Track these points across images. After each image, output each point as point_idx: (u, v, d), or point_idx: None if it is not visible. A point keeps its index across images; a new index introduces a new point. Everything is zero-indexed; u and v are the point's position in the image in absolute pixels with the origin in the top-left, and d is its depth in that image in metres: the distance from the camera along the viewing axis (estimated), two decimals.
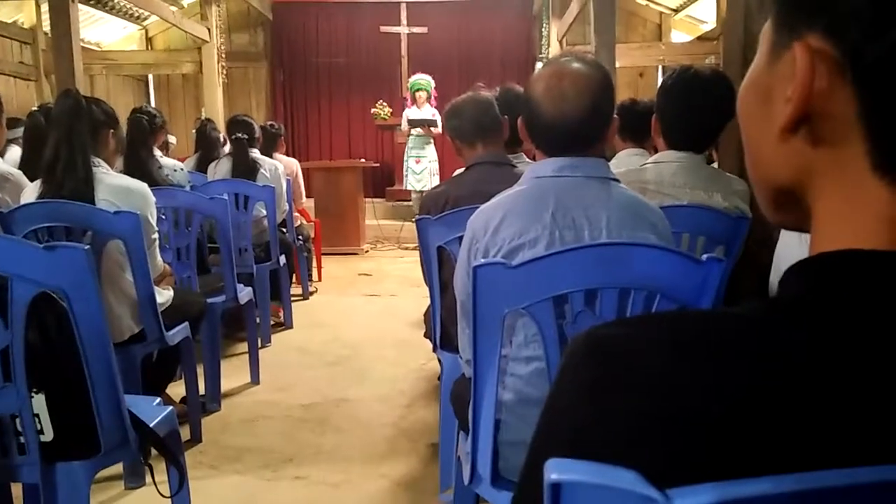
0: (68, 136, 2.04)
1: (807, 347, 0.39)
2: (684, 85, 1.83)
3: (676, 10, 8.85)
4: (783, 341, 0.40)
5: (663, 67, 7.82)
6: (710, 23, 8.14)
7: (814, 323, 0.40)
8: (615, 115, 1.37)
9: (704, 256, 1.20)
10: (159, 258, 2.29)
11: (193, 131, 4.79)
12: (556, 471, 0.38)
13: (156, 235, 2.23)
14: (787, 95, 0.43)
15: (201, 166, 4.21)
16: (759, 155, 0.49)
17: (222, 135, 4.60)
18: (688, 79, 1.84)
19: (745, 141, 0.50)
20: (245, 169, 3.81)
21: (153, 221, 2.19)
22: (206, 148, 4.36)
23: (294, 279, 4.63)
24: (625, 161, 2.67)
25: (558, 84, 1.31)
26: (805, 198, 0.46)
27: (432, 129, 7.52)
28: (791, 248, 1.33)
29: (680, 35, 9.08)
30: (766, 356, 0.39)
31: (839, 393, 0.37)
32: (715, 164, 2.62)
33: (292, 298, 4.34)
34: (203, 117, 5.62)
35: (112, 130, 2.21)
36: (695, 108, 1.80)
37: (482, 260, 1.23)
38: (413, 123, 7.52)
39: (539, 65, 8.15)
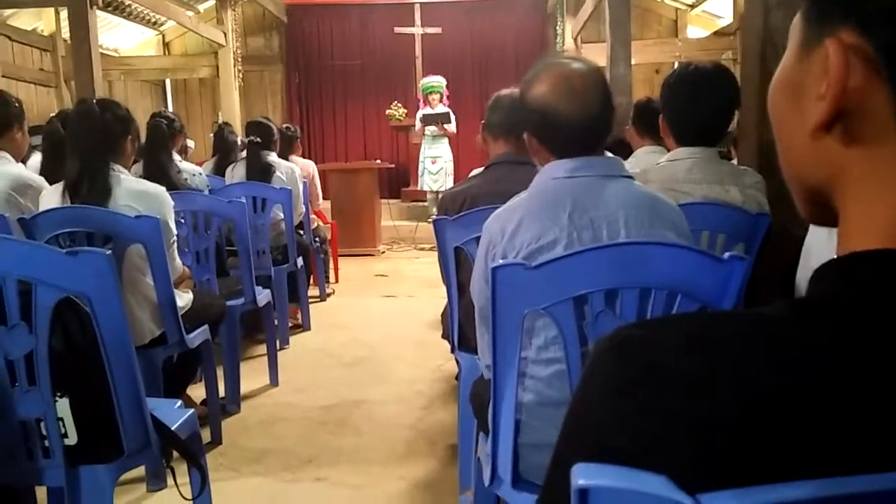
0: (88, 158, 2.07)
1: (839, 349, 0.38)
2: (685, 80, 1.85)
3: (692, 6, 8.78)
4: (814, 342, 0.39)
5: (679, 64, 7.75)
6: (726, 18, 8.06)
7: (846, 323, 0.39)
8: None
9: (726, 255, 1.18)
10: (178, 260, 2.30)
11: (211, 135, 4.82)
12: (583, 476, 0.38)
13: (174, 238, 2.24)
14: (819, 93, 0.42)
15: (219, 170, 4.22)
16: (790, 153, 0.48)
17: (240, 138, 4.62)
18: (688, 74, 1.85)
19: (777, 139, 0.49)
20: (259, 171, 3.82)
21: (171, 224, 2.21)
22: (223, 151, 4.38)
23: (311, 281, 4.65)
24: (643, 158, 2.66)
25: (569, 84, 1.31)
26: (833, 196, 0.45)
27: (446, 126, 7.52)
28: (820, 245, 1.30)
29: (696, 31, 9.00)
30: (797, 357, 0.38)
31: (874, 397, 0.36)
32: (734, 162, 2.60)
33: (310, 300, 4.36)
34: (220, 121, 5.66)
35: (129, 136, 2.21)
36: (698, 101, 1.81)
37: (501, 261, 1.23)
38: (426, 120, 7.52)
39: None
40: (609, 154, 1.45)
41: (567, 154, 1.34)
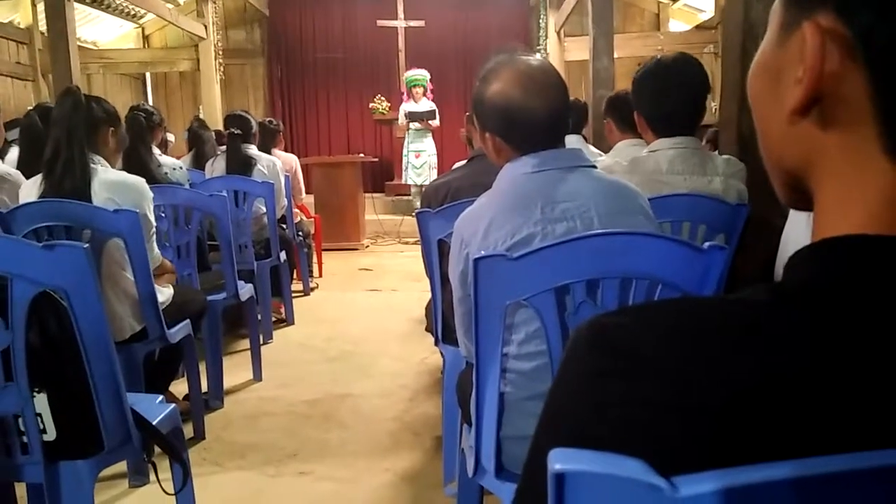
0: (68, 134, 2.03)
1: (816, 335, 0.38)
2: (650, 73, 1.91)
3: (674, 0, 8.82)
4: (791, 328, 0.39)
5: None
6: (708, 11, 8.12)
7: (823, 310, 0.39)
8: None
9: (706, 244, 1.19)
10: (157, 250, 2.27)
11: (185, 132, 4.86)
12: (560, 461, 0.38)
13: (153, 229, 2.22)
14: (797, 77, 0.42)
15: (196, 164, 4.25)
16: (769, 137, 0.48)
17: (221, 129, 4.65)
18: (653, 67, 1.93)
19: (756, 122, 0.49)
20: (239, 164, 3.80)
21: (150, 216, 2.19)
22: (198, 146, 4.45)
23: (295, 275, 4.63)
24: (623, 152, 2.66)
25: (531, 80, 1.31)
26: (809, 181, 0.45)
27: (430, 122, 7.52)
28: (798, 234, 1.32)
29: (678, 24, 9.05)
30: (774, 344, 0.39)
31: (848, 381, 0.37)
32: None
33: (293, 295, 4.34)
34: (201, 115, 5.64)
35: (112, 129, 2.20)
36: (664, 91, 1.86)
37: (483, 253, 1.23)
38: (412, 117, 7.52)
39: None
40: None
41: (533, 149, 1.33)
